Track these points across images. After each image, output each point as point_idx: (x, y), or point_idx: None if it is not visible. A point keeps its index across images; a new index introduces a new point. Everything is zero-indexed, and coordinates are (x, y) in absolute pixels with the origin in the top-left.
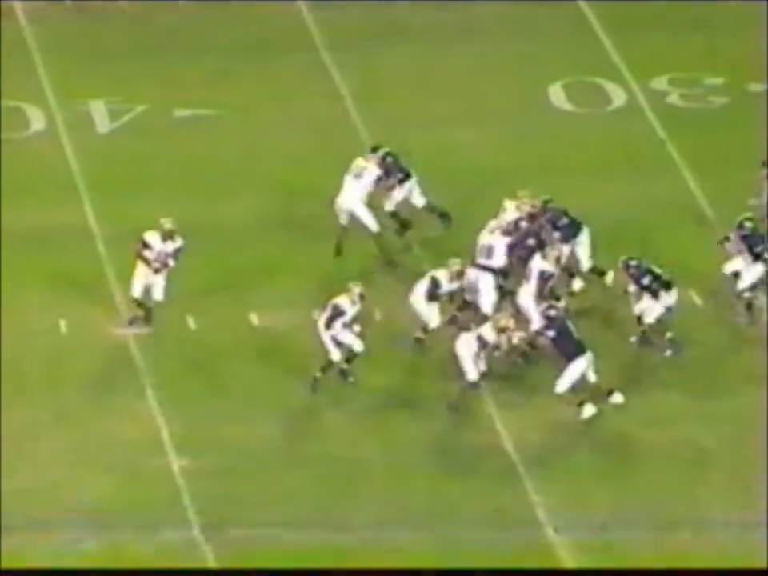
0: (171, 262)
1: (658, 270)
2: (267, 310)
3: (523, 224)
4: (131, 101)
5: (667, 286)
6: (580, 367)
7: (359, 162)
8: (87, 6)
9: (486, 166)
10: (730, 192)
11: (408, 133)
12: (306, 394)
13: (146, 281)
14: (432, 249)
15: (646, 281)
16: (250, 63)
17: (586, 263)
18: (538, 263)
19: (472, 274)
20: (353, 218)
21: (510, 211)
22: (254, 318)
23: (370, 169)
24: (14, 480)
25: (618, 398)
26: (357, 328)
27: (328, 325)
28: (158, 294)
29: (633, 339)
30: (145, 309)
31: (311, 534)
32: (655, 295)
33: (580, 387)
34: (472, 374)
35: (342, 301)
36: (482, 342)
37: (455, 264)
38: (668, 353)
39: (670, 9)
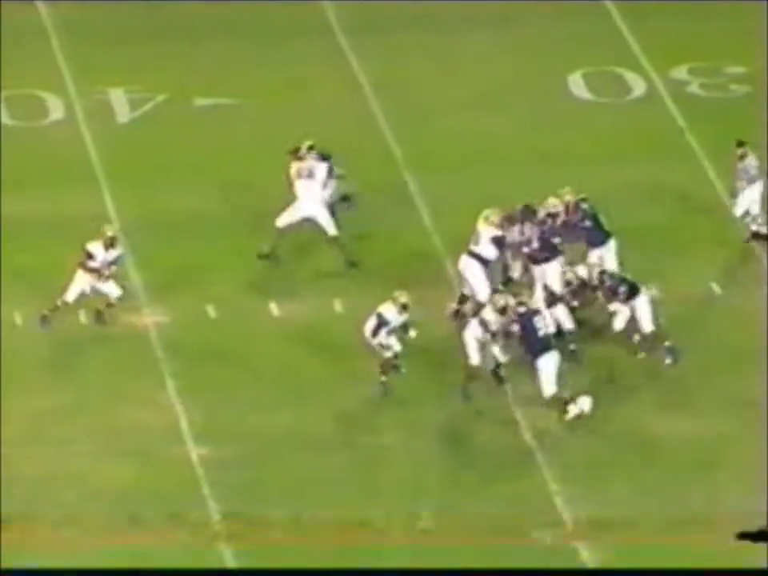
0: (113, 269)
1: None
2: (287, 299)
3: (526, 226)
4: (151, 90)
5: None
6: (549, 364)
7: (304, 162)
8: None
9: (505, 154)
10: None
11: (426, 120)
12: (325, 382)
13: (85, 288)
14: (453, 238)
15: (621, 289)
16: (269, 50)
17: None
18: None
19: (462, 261)
20: (307, 221)
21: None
22: (274, 307)
23: (319, 167)
24: (33, 467)
25: (585, 403)
26: (413, 333)
27: (374, 333)
28: (114, 293)
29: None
30: (101, 308)
31: (331, 521)
32: (625, 301)
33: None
34: (474, 359)
35: (387, 310)
36: (485, 325)
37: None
38: (667, 361)
39: None
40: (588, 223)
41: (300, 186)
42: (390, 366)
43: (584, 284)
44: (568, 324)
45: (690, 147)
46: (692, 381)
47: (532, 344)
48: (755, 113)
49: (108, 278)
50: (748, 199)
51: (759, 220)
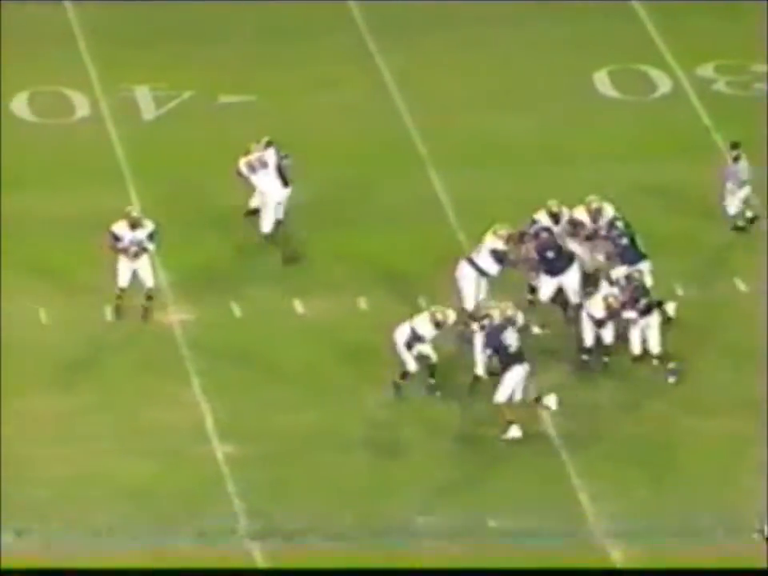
0: (150, 246)
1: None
2: (311, 297)
3: (542, 233)
4: (176, 87)
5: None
6: (514, 377)
7: (252, 155)
8: None
9: (531, 152)
10: None
11: (452, 119)
12: (350, 382)
13: (129, 269)
14: (478, 237)
15: (642, 301)
16: (294, 49)
17: None
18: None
19: (459, 266)
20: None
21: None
22: (298, 305)
23: (267, 153)
24: (59, 466)
25: (551, 401)
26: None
27: (409, 346)
28: (148, 281)
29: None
30: (144, 304)
31: (355, 520)
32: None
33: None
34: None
35: (422, 324)
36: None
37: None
38: (671, 380)
39: None
40: (624, 241)
41: (257, 178)
42: (409, 377)
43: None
44: (608, 338)
45: (715, 145)
46: (716, 381)
47: (500, 357)
48: None
49: (136, 255)
50: (738, 201)
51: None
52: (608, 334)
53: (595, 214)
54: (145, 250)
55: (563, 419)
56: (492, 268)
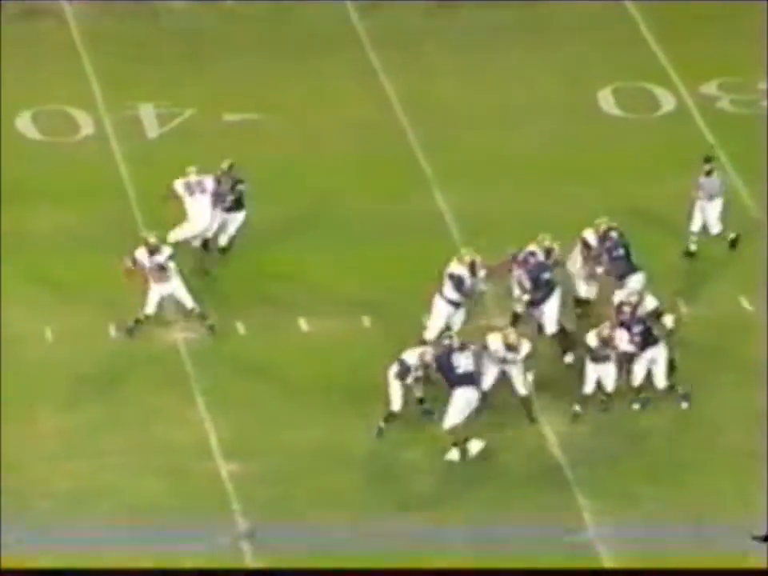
0: (171, 265)
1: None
2: (316, 314)
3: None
4: (180, 105)
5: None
6: (461, 399)
7: (191, 178)
8: (136, 7)
9: (535, 170)
10: None
11: (456, 136)
12: (354, 398)
13: (159, 295)
14: (482, 256)
15: (636, 329)
16: (298, 66)
17: None
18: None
19: (435, 299)
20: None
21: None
22: (303, 323)
23: (207, 180)
24: (65, 482)
25: (476, 445)
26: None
27: (401, 377)
28: (188, 303)
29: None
30: (204, 324)
31: (359, 536)
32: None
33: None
34: (395, 404)
35: (410, 356)
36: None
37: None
38: (684, 405)
39: (720, 12)
40: (619, 252)
41: (191, 201)
42: (394, 418)
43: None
44: (610, 385)
45: (719, 163)
46: (721, 397)
47: (448, 378)
48: None
49: (161, 279)
50: (706, 215)
51: (725, 232)
52: (609, 380)
53: (603, 236)
54: (165, 270)
55: (568, 436)
56: (449, 292)
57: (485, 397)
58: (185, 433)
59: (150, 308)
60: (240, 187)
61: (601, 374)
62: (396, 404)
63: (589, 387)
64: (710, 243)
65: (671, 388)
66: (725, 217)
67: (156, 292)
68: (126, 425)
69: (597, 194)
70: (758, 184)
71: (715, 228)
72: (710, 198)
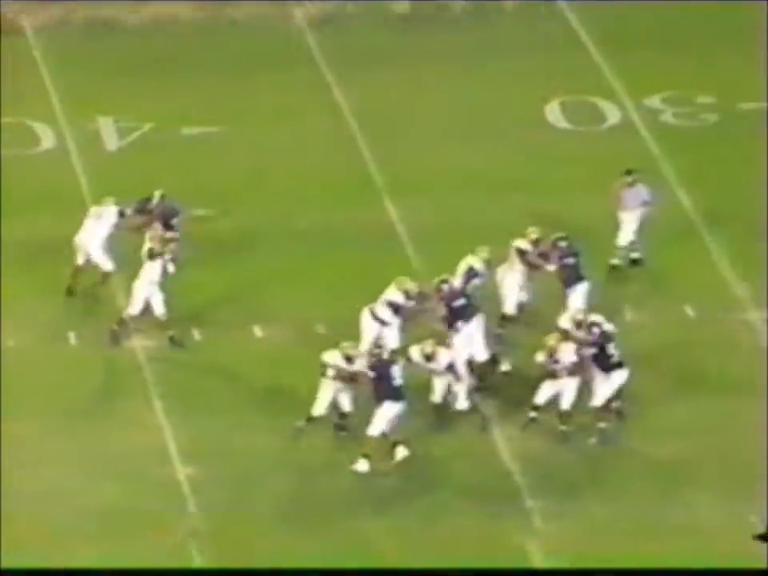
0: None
1: None
2: (270, 321)
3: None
4: (139, 118)
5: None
6: (390, 412)
7: (101, 207)
8: (96, 23)
9: (485, 183)
10: (722, 208)
11: (407, 150)
12: (310, 404)
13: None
14: (433, 266)
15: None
16: (254, 81)
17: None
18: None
19: (364, 315)
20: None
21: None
22: (258, 330)
23: (109, 211)
24: (21, 485)
25: (401, 452)
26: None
27: (325, 374)
28: (159, 308)
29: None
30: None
31: (318, 541)
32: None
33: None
34: (319, 408)
35: (331, 358)
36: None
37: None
38: (592, 440)
39: (663, 28)
40: (569, 261)
41: (89, 223)
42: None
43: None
44: (566, 402)
45: (663, 175)
46: (673, 401)
47: (383, 389)
48: (723, 141)
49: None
50: (625, 226)
51: (637, 246)
52: (565, 397)
53: (536, 242)
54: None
55: (520, 442)
56: (391, 319)
57: (439, 409)
58: (142, 437)
59: (136, 308)
60: (176, 221)
61: (558, 390)
62: (320, 408)
63: (540, 398)
64: (654, 252)
65: (598, 413)
66: (643, 230)
67: (143, 290)
68: (84, 429)
69: (545, 204)
70: (700, 194)
71: (627, 240)
72: (632, 209)
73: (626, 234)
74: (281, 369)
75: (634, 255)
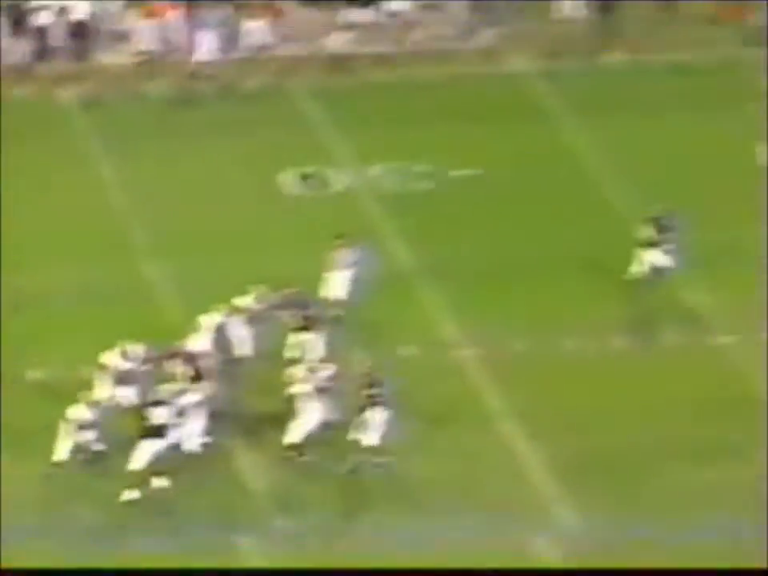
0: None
1: None
2: (45, 367)
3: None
4: None
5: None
6: (149, 448)
7: None
8: None
9: (229, 244)
10: (442, 266)
11: (161, 214)
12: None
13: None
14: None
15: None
16: (18, 155)
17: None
18: None
19: None
20: None
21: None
22: (31, 373)
23: None
24: None
25: (157, 482)
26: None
27: (80, 427)
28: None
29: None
30: None
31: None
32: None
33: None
34: (61, 453)
35: (79, 412)
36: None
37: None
38: (344, 470)
39: (386, 105)
40: (309, 311)
41: None
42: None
43: None
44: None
45: (386, 234)
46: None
47: (146, 428)
48: (439, 206)
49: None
50: (334, 283)
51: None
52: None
53: (261, 299)
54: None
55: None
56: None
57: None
58: None
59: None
60: None
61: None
62: (61, 453)
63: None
64: (370, 302)
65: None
66: (355, 286)
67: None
68: None
69: (280, 263)
70: (422, 252)
71: (337, 294)
72: (341, 269)
73: (334, 290)
74: (54, 407)
75: (338, 312)
